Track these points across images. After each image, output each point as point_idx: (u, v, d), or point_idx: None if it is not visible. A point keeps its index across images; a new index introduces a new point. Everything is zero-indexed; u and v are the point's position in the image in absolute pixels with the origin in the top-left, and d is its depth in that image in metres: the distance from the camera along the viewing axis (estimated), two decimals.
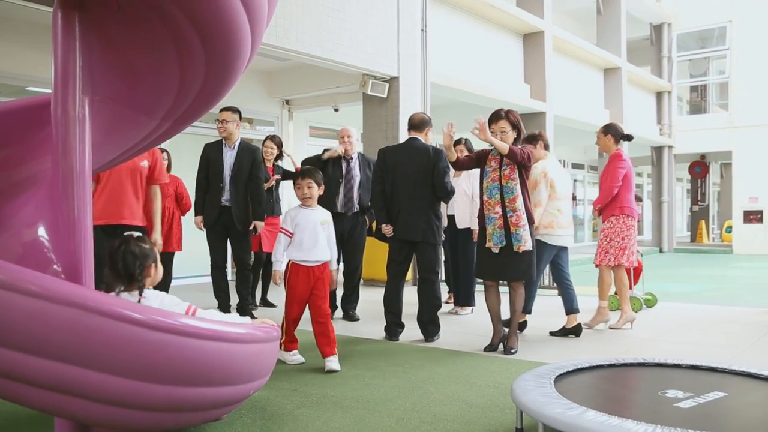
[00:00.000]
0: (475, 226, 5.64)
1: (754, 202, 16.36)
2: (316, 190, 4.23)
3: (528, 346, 4.78)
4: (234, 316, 2.88)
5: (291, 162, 7.05)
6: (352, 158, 5.95)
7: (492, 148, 4.61)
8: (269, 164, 6.60)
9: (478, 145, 6.04)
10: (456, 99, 10.77)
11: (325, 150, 6.09)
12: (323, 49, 7.59)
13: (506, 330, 4.72)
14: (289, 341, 4.22)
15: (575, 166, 19.29)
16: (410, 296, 5.46)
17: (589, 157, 19.26)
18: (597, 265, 5.55)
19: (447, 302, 6.57)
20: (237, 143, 5.77)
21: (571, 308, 5.22)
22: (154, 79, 2.46)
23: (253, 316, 5.68)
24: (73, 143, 2.37)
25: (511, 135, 4.53)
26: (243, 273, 5.96)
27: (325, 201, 4.79)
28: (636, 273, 6.51)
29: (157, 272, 2.70)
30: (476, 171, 5.17)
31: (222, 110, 5.75)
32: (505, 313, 4.75)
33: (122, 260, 2.58)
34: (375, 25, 8.35)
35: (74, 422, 2.43)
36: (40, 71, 6.71)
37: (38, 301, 2.08)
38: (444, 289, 6.20)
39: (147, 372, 2.23)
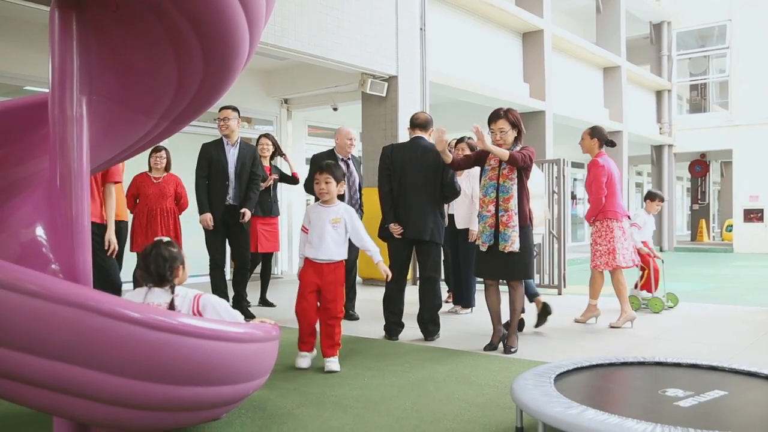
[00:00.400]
0: (474, 227, 5.64)
1: (754, 201, 16.36)
2: (334, 186, 4.07)
3: (528, 345, 4.77)
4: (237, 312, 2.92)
5: (288, 165, 7.04)
6: (350, 159, 5.96)
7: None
8: (266, 162, 6.60)
9: None
10: (455, 98, 10.77)
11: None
12: (322, 48, 7.58)
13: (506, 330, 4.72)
14: (300, 340, 4.12)
15: (575, 165, 19.23)
16: (408, 296, 5.45)
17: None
18: (591, 267, 5.76)
19: (447, 301, 6.57)
20: (238, 141, 5.83)
21: (533, 293, 5.50)
22: (152, 78, 2.45)
23: (250, 315, 5.72)
24: (71, 143, 2.36)
25: (511, 134, 4.52)
26: (242, 271, 5.98)
27: None
28: (655, 275, 6.49)
29: (185, 272, 2.93)
30: (476, 171, 5.17)
31: (222, 108, 5.79)
32: (505, 314, 4.75)
33: (154, 262, 2.82)
34: (373, 24, 8.35)
35: (73, 422, 2.42)
36: (37, 71, 6.70)
37: (37, 301, 2.08)
38: (443, 289, 6.20)
39: (146, 371, 2.23)
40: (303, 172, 6.42)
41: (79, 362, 2.13)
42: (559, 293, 7.76)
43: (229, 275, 6.32)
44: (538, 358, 4.30)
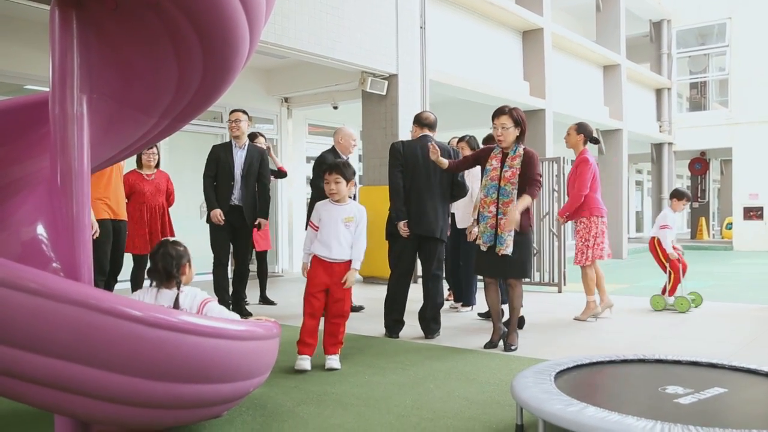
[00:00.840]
0: (473, 224, 5.66)
1: (754, 199, 16.35)
2: (344, 186, 3.99)
3: (528, 343, 4.78)
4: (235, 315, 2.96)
5: (272, 160, 6.98)
6: (349, 158, 5.99)
7: (494, 145, 4.64)
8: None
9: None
10: (455, 96, 10.76)
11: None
12: (322, 47, 7.58)
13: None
14: (300, 342, 3.99)
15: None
16: (408, 294, 5.45)
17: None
18: (577, 264, 5.80)
19: (447, 299, 6.58)
20: (246, 144, 5.97)
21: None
22: (152, 76, 2.45)
23: (249, 313, 5.76)
24: (72, 141, 2.36)
25: (513, 132, 4.52)
26: (242, 271, 6.08)
27: None
28: (683, 270, 6.35)
29: (191, 270, 3.03)
30: (477, 171, 5.18)
31: (233, 111, 6.02)
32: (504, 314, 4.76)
33: (162, 260, 2.92)
34: (374, 23, 8.34)
35: (74, 419, 2.43)
36: (38, 69, 6.70)
37: (38, 299, 2.08)
38: (444, 287, 6.20)
39: (147, 369, 2.23)
40: (304, 171, 6.43)
41: (80, 360, 2.14)
42: (559, 291, 7.77)
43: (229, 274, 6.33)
44: (539, 355, 4.31)
